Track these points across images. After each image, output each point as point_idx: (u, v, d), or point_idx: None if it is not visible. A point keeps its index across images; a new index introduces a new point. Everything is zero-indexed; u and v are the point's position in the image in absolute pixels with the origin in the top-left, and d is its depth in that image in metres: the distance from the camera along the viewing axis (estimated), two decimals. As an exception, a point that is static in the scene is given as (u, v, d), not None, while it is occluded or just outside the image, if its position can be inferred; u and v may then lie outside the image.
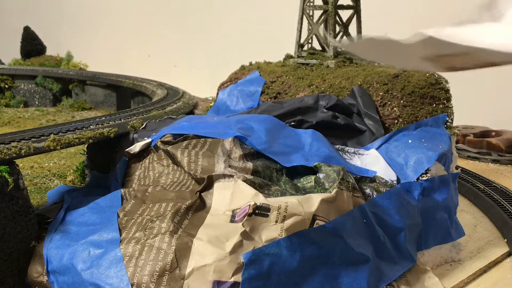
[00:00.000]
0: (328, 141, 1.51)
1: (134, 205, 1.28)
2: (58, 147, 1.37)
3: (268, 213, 1.11)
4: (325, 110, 1.65)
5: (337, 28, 2.01)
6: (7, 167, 1.17)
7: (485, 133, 2.86)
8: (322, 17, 2.00)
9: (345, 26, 2.03)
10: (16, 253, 1.18)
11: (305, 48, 2.09)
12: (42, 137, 1.37)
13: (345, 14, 2.03)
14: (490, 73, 3.17)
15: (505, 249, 1.56)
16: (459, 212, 1.57)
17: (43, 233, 1.25)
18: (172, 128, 1.53)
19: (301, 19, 2.05)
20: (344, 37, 1.91)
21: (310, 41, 2.08)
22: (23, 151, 1.26)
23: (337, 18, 2.01)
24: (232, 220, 1.14)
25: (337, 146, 1.55)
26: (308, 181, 1.33)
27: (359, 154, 1.52)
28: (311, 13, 2.04)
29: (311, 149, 1.43)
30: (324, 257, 1.14)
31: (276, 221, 1.11)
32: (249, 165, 1.31)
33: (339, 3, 2.00)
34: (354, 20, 2.03)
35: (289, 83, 1.88)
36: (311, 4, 2.03)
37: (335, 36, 1.99)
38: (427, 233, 1.39)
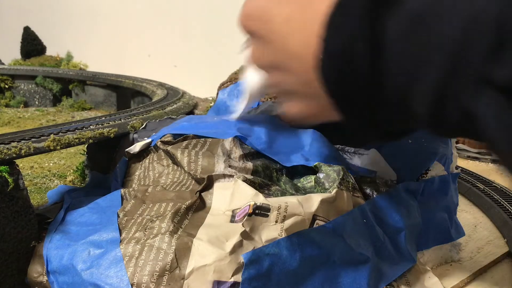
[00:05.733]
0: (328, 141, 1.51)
1: (134, 205, 1.28)
2: (58, 147, 1.37)
3: (268, 213, 1.11)
4: (325, 110, 1.64)
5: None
6: (7, 167, 1.17)
7: (485, 133, 2.86)
8: (322, 17, 1.99)
9: (345, 26, 2.02)
10: (16, 253, 1.18)
11: (305, 48, 2.08)
12: (42, 137, 1.37)
13: (345, 14, 2.03)
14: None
15: (505, 249, 1.56)
16: (459, 212, 1.57)
17: (43, 233, 1.24)
18: (172, 128, 1.53)
19: (301, 19, 2.04)
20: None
21: (310, 41, 2.07)
22: (23, 151, 1.26)
23: (337, 18, 2.00)
24: (232, 220, 1.14)
25: (337, 146, 1.55)
26: (308, 181, 1.33)
27: (359, 154, 1.51)
28: (311, 13, 2.04)
29: (311, 149, 1.43)
30: (324, 257, 1.13)
31: (276, 221, 1.10)
32: (249, 165, 1.30)
33: (339, 3, 1.99)
34: (354, 20, 2.03)
35: (289, 83, 1.87)
36: (311, 4, 2.03)
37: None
38: (427, 233, 1.39)
